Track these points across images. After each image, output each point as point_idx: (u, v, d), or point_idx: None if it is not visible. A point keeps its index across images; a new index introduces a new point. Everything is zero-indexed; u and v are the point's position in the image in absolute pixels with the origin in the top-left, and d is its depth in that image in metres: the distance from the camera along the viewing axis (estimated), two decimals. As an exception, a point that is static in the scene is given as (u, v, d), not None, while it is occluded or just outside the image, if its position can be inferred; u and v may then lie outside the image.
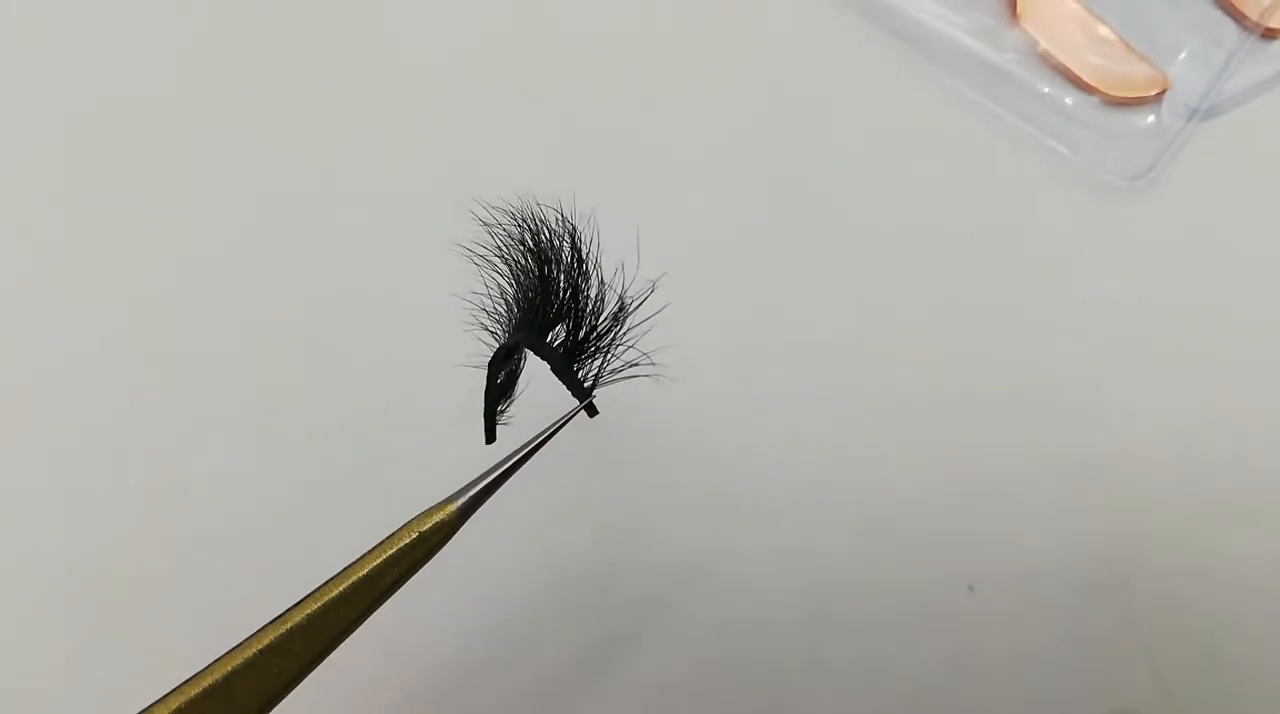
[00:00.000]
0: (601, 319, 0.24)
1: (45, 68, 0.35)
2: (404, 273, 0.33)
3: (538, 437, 0.22)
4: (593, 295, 0.24)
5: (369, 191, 0.34)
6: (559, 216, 0.24)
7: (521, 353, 0.24)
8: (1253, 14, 0.35)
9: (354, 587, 0.20)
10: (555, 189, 0.24)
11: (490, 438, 0.24)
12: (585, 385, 0.23)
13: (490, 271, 0.24)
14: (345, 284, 0.33)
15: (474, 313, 0.24)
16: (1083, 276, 0.33)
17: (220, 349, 0.32)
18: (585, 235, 0.24)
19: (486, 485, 0.22)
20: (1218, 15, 0.35)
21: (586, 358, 0.24)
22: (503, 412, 0.24)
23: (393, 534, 0.21)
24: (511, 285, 0.24)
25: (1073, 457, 0.32)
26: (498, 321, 0.24)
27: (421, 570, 0.21)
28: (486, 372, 0.23)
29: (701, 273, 0.33)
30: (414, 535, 0.21)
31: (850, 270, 0.33)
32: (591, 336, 0.24)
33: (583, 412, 0.23)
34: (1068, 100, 0.34)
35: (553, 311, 0.24)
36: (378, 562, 0.21)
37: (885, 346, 0.32)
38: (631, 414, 0.30)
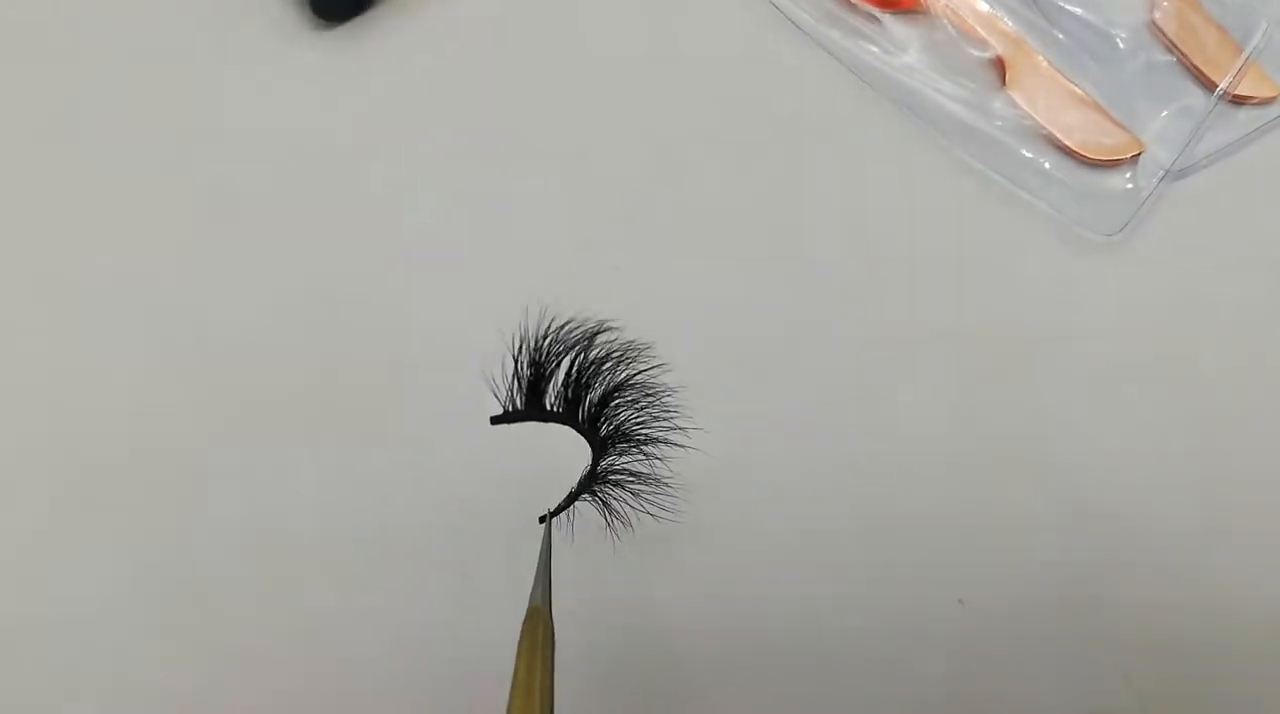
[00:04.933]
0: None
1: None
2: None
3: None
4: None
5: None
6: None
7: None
8: (1221, 83, 0.38)
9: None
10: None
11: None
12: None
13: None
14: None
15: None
16: (1062, 323, 0.36)
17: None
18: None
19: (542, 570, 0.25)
20: (1189, 84, 0.39)
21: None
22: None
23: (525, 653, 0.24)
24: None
25: (1053, 481, 0.35)
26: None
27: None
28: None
29: (696, 328, 0.36)
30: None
31: (844, 317, 0.36)
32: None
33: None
34: (1050, 163, 0.38)
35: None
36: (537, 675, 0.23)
37: (880, 382, 0.36)
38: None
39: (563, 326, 0.27)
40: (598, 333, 0.27)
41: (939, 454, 0.35)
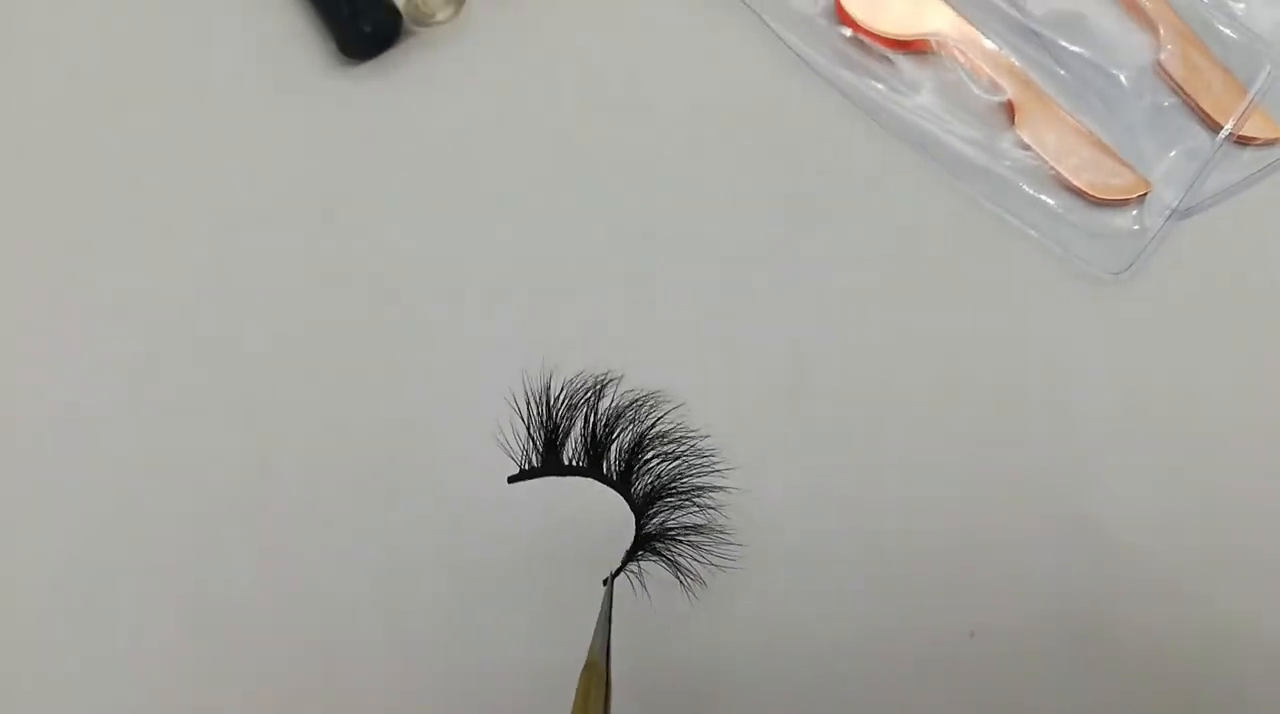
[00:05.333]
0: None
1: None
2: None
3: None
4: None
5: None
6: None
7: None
8: (1226, 124, 0.39)
9: None
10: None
11: None
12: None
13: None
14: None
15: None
16: (1069, 360, 0.37)
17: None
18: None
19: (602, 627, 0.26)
20: (1194, 126, 0.40)
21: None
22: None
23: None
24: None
25: (1062, 517, 0.35)
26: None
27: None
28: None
29: (706, 370, 0.37)
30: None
31: (851, 354, 0.37)
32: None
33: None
34: (1058, 202, 0.39)
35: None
36: None
37: (888, 417, 0.37)
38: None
39: (570, 382, 0.28)
40: (604, 385, 0.28)
41: (948, 491, 0.36)
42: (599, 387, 0.27)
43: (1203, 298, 0.38)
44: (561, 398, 0.27)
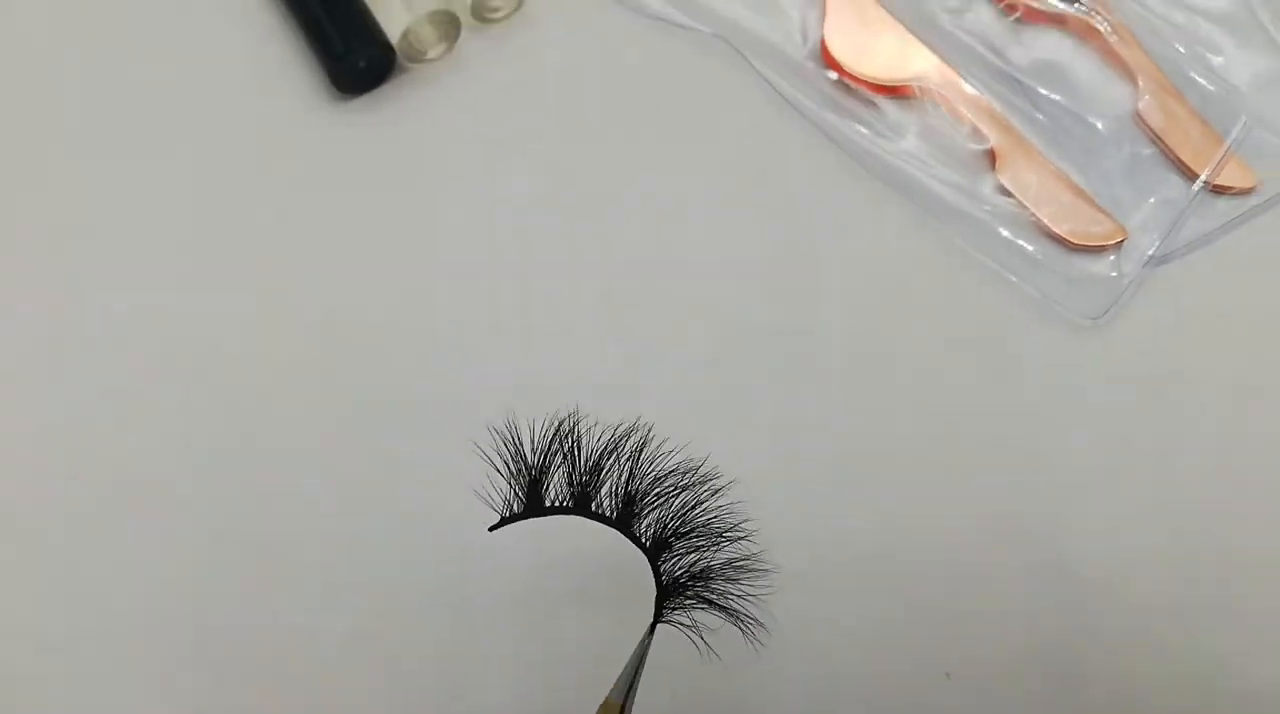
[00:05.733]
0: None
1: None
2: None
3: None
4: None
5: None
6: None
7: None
8: (1202, 173, 0.40)
9: None
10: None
11: None
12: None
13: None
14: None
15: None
16: (1046, 403, 0.38)
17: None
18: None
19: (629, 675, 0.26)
20: (1171, 175, 0.40)
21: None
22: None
23: None
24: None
25: (1039, 560, 0.36)
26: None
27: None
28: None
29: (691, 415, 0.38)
30: None
31: (829, 396, 0.38)
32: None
33: None
34: (1037, 247, 0.39)
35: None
36: None
37: (868, 456, 0.37)
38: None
39: (546, 421, 0.27)
40: (578, 421, 0.27)
41: (925, 533, 0.36)
42: (574, 424, 0.27)
43: (1178, 343, 0.39)
44: (537, 439, 0.27)
